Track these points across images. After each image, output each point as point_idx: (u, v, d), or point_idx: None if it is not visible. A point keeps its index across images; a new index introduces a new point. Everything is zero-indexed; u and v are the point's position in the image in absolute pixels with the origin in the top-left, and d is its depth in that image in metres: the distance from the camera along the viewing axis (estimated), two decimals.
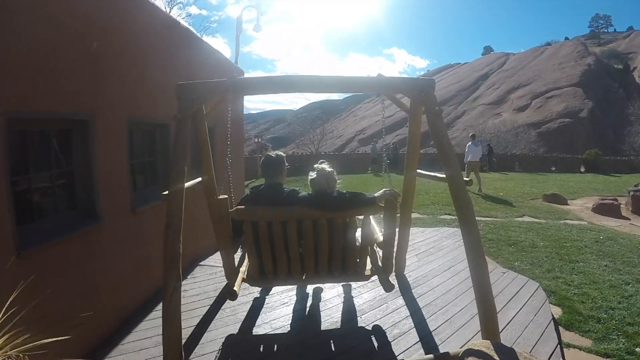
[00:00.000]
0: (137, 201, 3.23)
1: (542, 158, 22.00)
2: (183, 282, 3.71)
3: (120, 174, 3.00)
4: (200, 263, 4.25)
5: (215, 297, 3.31)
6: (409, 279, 3.66)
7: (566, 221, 7.52)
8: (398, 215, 2.94)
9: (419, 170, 3.03)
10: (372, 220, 2.66)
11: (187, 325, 2.74)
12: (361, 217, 2.47)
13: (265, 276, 2.49)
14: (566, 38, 67.53)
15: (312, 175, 2.64)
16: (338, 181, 2.66)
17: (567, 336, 3.17)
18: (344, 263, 2.50)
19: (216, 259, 4.33)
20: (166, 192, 2.22)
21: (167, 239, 2.07)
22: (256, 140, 21.14)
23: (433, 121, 2.54)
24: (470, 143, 11.52)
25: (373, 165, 17.78)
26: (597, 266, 4.74)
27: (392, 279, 2.75)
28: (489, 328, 2.33)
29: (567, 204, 9.70)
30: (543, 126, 42.64)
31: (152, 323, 2.83)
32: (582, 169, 20.60)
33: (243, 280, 2.60)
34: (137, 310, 3.05)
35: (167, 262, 2.04)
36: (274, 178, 2.60)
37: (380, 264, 2.68)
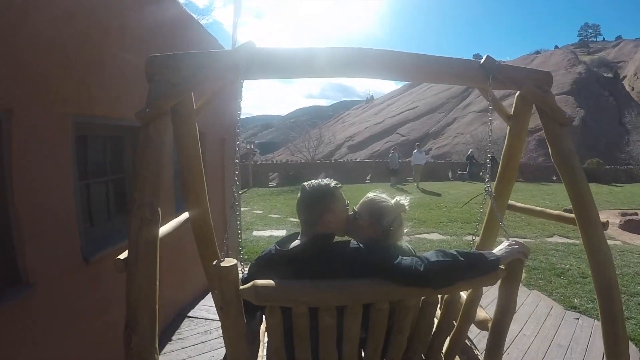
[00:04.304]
0: (93, 244, 2.18)
1: (543, 167, 21.26)
2: (166, 347, 2.69)
3: (61, 203, 1.97)
4: (189, 314, 3.22)
5: None
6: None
7: None
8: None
9: (512, 202, 2.06)
10: None
11: None
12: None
13: None
14: (556, 46, 68.29)
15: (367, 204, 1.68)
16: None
17: None
18: None
19: (209, 307, 3.31)
20: (124, 256, 1.22)
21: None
22: (247, 147, 19.58)
23: (557, 133, 1.64)
24: (415, 151, 16.05)
25: (393, 177, 16.26)
26: None
27: None
28: None
29: None
30: (535, 134, 42.46)
31: None
32: None
33: None
34: None
35: None
36: (314, 227, 1.48)
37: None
